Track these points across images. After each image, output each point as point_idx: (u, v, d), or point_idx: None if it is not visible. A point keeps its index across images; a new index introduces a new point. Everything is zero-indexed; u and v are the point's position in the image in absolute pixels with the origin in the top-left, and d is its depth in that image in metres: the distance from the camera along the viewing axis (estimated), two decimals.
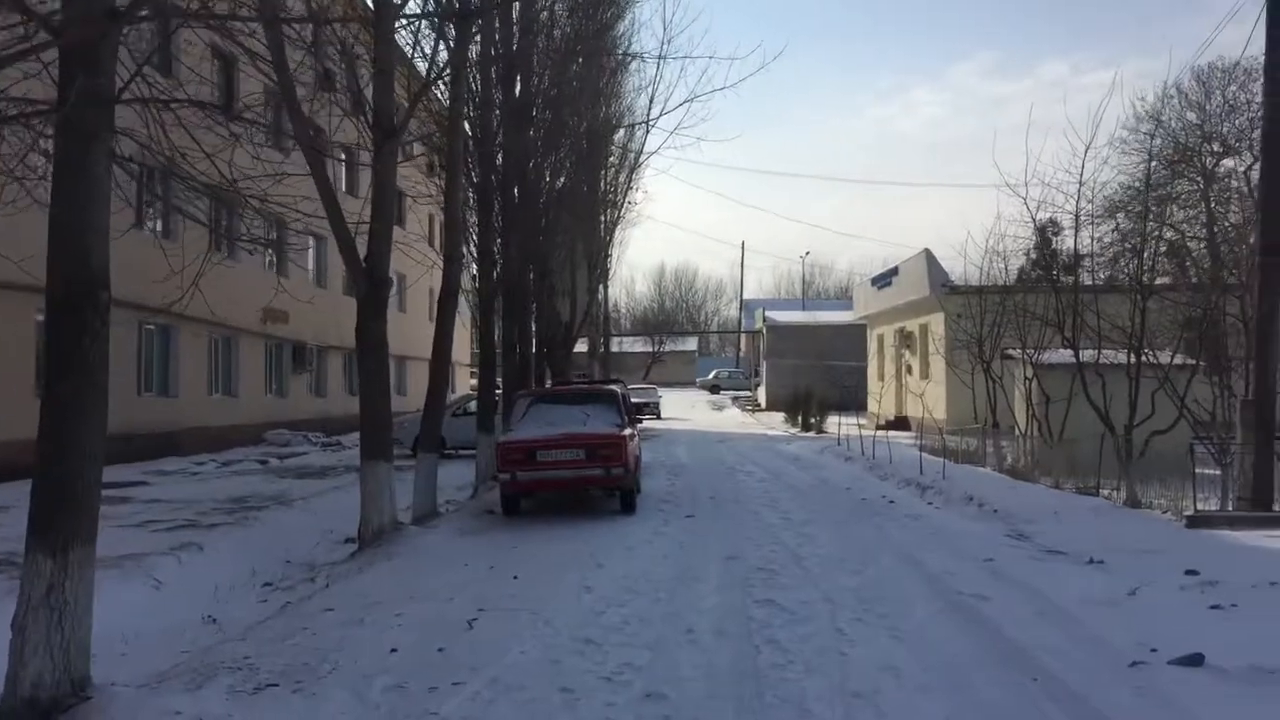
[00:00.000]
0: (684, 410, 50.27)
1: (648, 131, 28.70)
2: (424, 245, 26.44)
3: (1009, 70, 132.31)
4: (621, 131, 30.13)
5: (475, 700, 5.70)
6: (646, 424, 36.21)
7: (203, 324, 23.06)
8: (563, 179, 24.51)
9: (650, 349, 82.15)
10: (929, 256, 29.78)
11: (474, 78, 17.82)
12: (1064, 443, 16.22)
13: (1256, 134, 34.36)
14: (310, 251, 29.84)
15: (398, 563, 10.33)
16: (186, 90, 9.54)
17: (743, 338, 79.95)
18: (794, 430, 34.89)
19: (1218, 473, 12.85)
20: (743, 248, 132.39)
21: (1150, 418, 14.32)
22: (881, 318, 37.28)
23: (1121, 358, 15.21)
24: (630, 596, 8.36)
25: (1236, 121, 36.66)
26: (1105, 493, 13.95)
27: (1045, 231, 19.90)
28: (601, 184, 30.81)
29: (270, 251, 22.84)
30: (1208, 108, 37.59)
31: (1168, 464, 13.49)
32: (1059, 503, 13.35)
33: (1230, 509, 12.06)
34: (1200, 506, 11.94)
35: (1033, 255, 22.08)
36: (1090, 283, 18.12)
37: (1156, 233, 18.38)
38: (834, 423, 31.98)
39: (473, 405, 21.83)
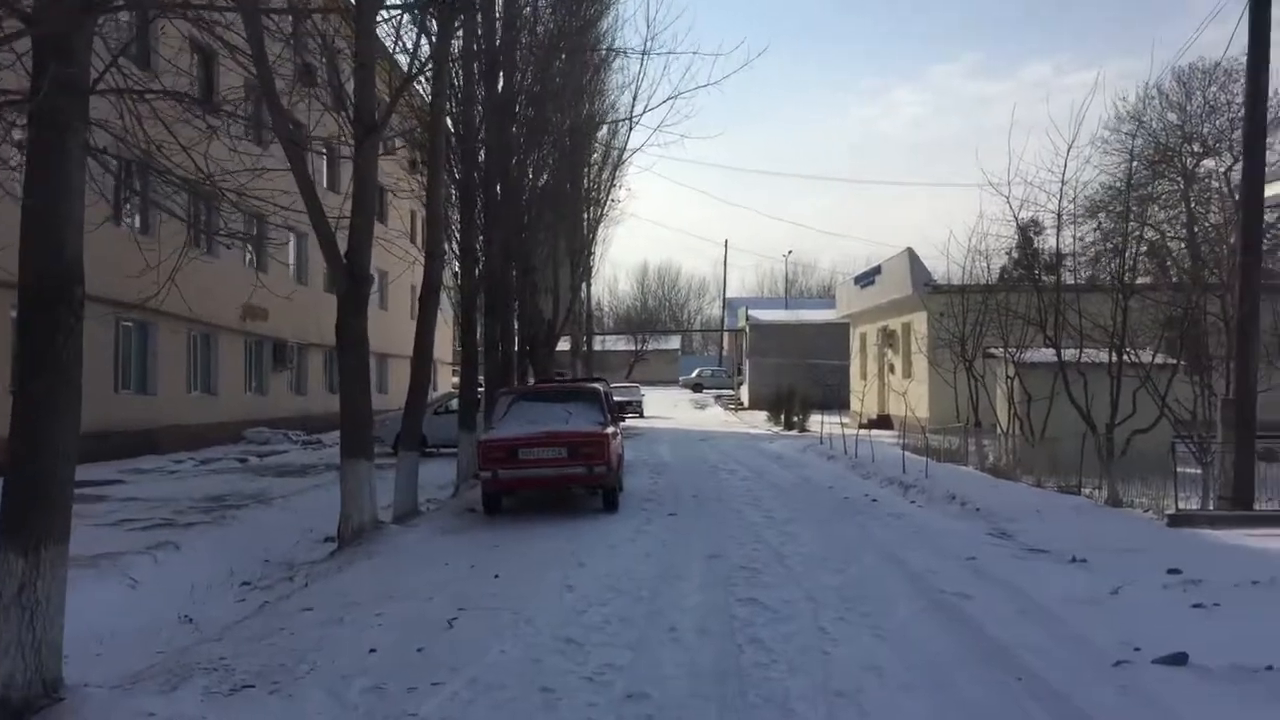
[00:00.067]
0: (667, 409, 50.24)
1: (631, 128, 28.71)
2: (406, 242, 26.37)
3: (991, 71, 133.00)
4: (605, 128, 30.09)
5: (454, 701, 5.63)
6: (629, 422, 36.13)
7: (181, 321, 22.88)
8: (546, 176, 24.44)
9: (633, 347, 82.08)
10: (912, 255, 29.82)
11: (456, 73, 17.72)
12: (1046, 441, 16.25)
13: (1236, 135, 34.58)
14: (291, 248, 29.65)
15: (378, 561, 10.24)
16: (164, 84, 9.41)
17: (725, 336, 80.00)
18: (777, 429, 34.89)
19: (1199, 472, 12.89)
20: (726, 246, 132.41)
21: (1131, 416, 14.34)
22: (864, 316, 37.34)
23: (1103, 357, 15.23)
24: (612, 595, 8.31)
25: (1217, 122, 36.88)
26: (1087, 491, 13.98)
27: (1027, 231, 19.95)
28: (585, 181, 30.76)
29: (249, 247, 22.63)
30: (1188, 108, 37.83)
31: (1149, 463, 13.52)
32: (1041, 501, 13.38)
33: (1211, 508, 12.10)
34: (1181, 505, 11.97)
35: (1014, 255, 22.15)
36: (1072, 282, 18.15)
37: (1138, 233, 18.42)
38: (817, 421, 32.00)
39: (454, 403, 21.74)
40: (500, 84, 19.59)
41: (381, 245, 16.64)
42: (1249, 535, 10.58)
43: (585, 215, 32.76)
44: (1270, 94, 15.04)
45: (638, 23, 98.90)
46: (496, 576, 9.23)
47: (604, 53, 26.20)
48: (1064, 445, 15.19)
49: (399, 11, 14.03)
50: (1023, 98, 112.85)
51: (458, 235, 19.08)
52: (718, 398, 60.88)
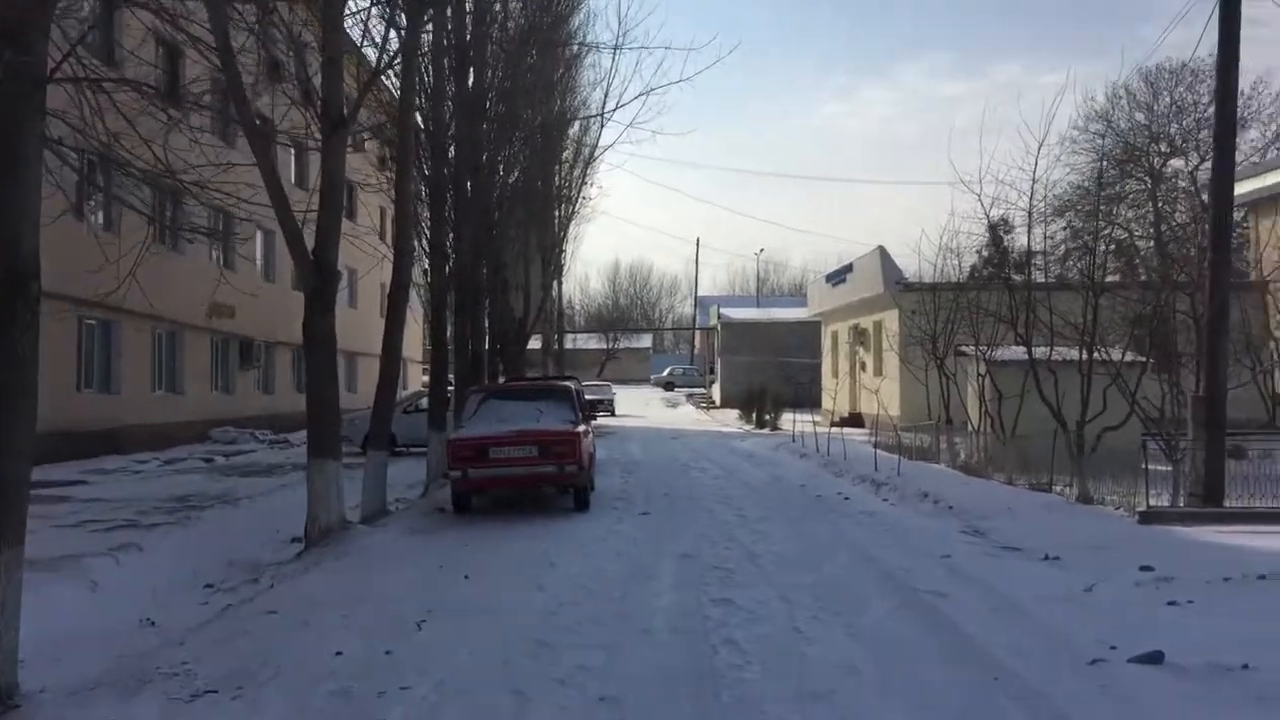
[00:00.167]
0: (638, 407, 50.18)
1: (603, 125, 28.59)
2: (375, 239, 26.13)
3: (961, 71, 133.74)
4: (576, 125, 29.98)
5: (423, 705, 5.51)
6: (600, 421, 36.03)
7: (146, 318, 22.56)
8: (517, 173, 24.30)
9: (605, 346, 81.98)
10: (883, 254, 29.87)
11: (426, 68, 17.54)
12: (1017, 439, 16.28)
13: (1203, 135, 35.14)
14: (258, 244, 29.33)
15: (345, 563, 10.08)
16: (128, 78, 9.23)
17: (697, 334, 80.00)
18: (748, 427, 34.89)
19: (1169, 469, 12.94)
20: (697, 244, 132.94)
21: (1102, 414, 14.40)
22: (836, 315, 37.39)
23: (1073, 354, 15.28)
24: (584, 596, 8.20)
25: (1184, 122, 37.35)
26: (1058, 489, 14.01)
27: (997, 229, 20.03)
28: (556, 178, 30.63)
29: (215, 244, 22.36)
30: (1156, 108, 38.26)
31: (1119, 460, 13.57)
32: (1013, 499, 13.40)
33: (1182, 505, 12.14)
34: (1152, 503, 12.00)
35: (985, 253, 22.24)
36: (1043, 280, 18.23)
37: (1107, 231, 18.53)
38: (788, 419, 32.03)
39: (424, 402, 21.56)
40: (470, 79, 19.43)
41: (350, 242, 16.41)
42: (1220, 532, 10.62)
43: (557, 212, 32.63)
44: (1238, 93, 15.10)
45: (609, 19, 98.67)
46: (466, 577, 9.10)
47: (576, 48, 26.09)
48: (1035, 443, 15.23)
49: (367, 4, 13.86)
50: (994, 98, 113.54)
51: (428, 232, 18.91)
52: (689, 396, 60.89)
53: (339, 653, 6.52)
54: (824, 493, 15.59)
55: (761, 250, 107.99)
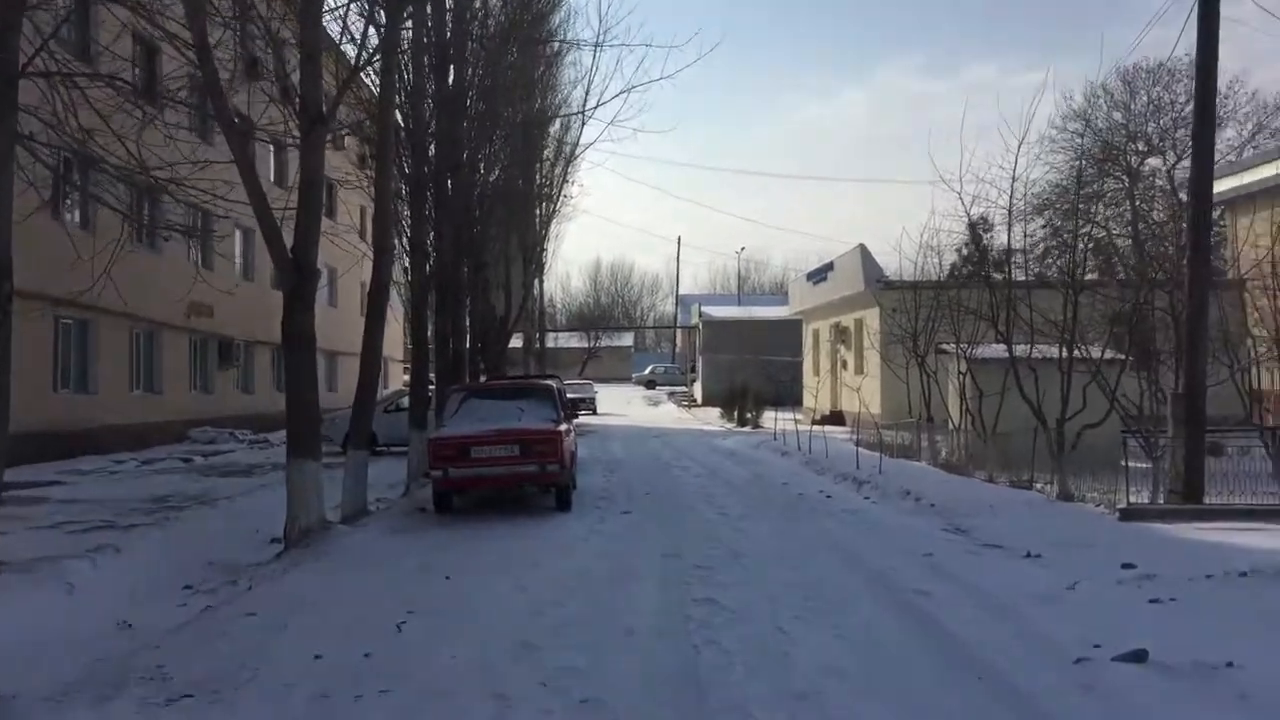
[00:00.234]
0: (620, 406, 50.13)
1: (584, 123, 28.58)
2: (355, 237, 25.97)
3: (938, 70, 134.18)
4: (557, 124, 29.92)
5: (403, 709, 5.44)
6: (582, 419, 35.96)
7: (123, 318, 22.37)
8: (497, 171, 24.21)
9: (586, 344, 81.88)
10: (864, 252, 29.92)
11: (406, 65, 17.43)
12: (997, 436, 16.33)
13: (1180, 134, 35.39)
14: (237, 243, 29.10)
15: (325, 564, 9.98)
16: (102, 73, 9.09)
17: (679, 333, 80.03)
18: (730, 425, 34.89)
19: (1148, 466, 13.00)
20: (679, 243, 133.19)
21: (1082, 411, 14.44)
22: (817, 313, 37.44)
23: (1053, 352, 15.31)
24: (566, 597, 8.14)
25: (1161, 121, 37.61)
26: (1039, 486, 14.06)
27: (977, 228, 20.06)
28: (537, 177, 30.54)
29: (192, 242, 22.15)
30: (1133, 108, 38.50)
31: (1099, 457, 13.63)
32: (994, 496, 13.43)
33: (1162, 502, 12.19)
34: (1132, 500, 12.05)
35: (964, 251, 22.29)
36: (1023, 278, 18.27)
37: (1087, 229, 18.60)
38: (770, 417, 32.05)
39: (405, 400, 21.44)
40: (451, 76, 19.33)
41: (330, 240, 16.30)
42: (1200, 529, 10.67)
43: (538, 211, 32.56)
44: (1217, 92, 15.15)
45: (590, 16, 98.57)
46: (447, 578, 9.02)
47: (556, 45, 26.02)
48: (1015, 440, 15.28)
49: (346, 0, 13.74)
50: (974, 99, 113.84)
51: (408, 230, 18.80)
52: (671, 394, 60.90)
53: (318, 656, 6.43)
54: (806, 491, 15.59)
55: (743, 249, 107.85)
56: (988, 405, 16.84)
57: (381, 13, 14.30)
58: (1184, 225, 15.15)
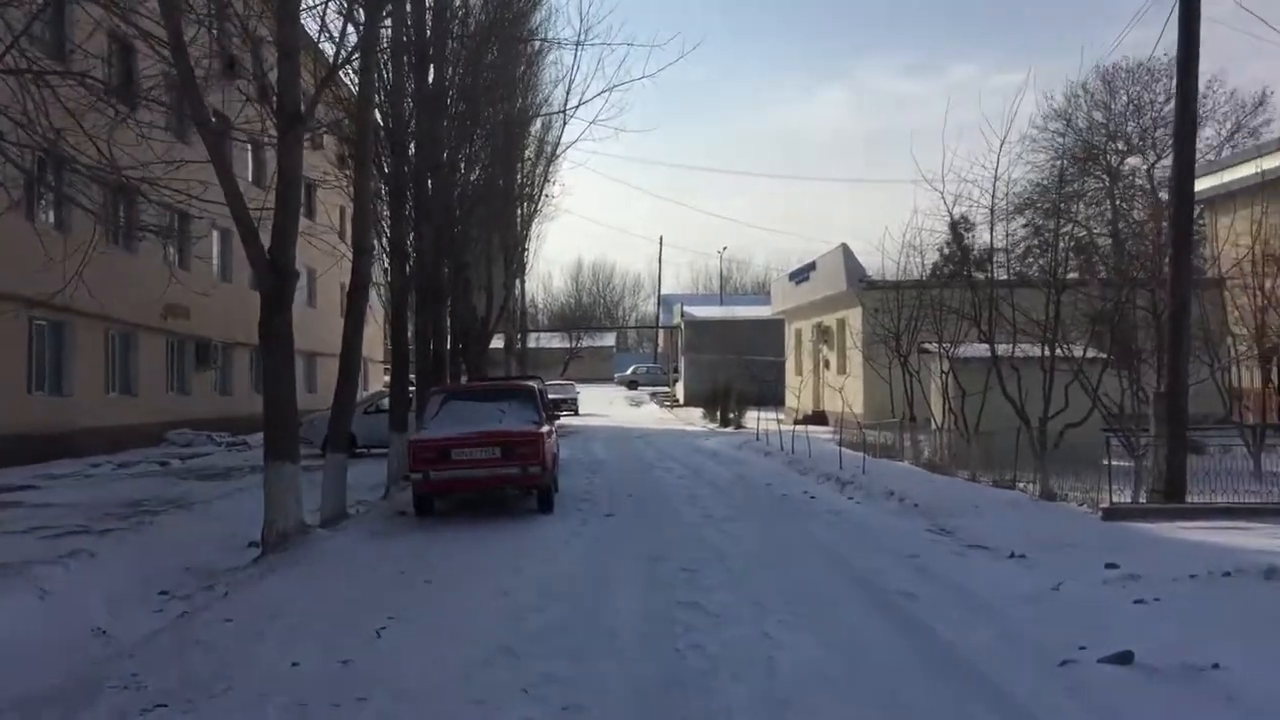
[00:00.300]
0: (602, 406, 50.05)
1: (565, 123, 28.47)
2: (334, 238, 25.75)
3: (920, 70, 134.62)
4: (538, 123, 29.81)
5: (381, 717, 5.35)
6: (564, 420, 35.85)
7: (98, 319, 22.12)
8: (478, 170, 24.08)
9: (568, 345, 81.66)
10: (846, 251, 29.91)
11: (385, 64, 17.29)
12: (980, 436, 16.32)
13: (1160, 133, 35.58)
14: (214, 243, 28.83)
15: (303, 568, 9.86)
16: (73, 71, 8.94)
17: (661, 333, 79.99)
18: (712, 425, 34.85)
19: (1130, 464, 13.00)
20: (660, 243, 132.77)
21: (1064, 410, 14.44)
22: (799, 313, 37.44)
23: (1036, 351, 15.32)
24: (549, 601, 8.04)
25: (1141, 121, 37.80)
26: (1021, 485, 14.04)
27: (958, 227, 20.08)
28: (518, 176, 30.42)
29: (168, 242, 21.91)
30: (1113, 107, 38.69)
31: (1081, 456, 13.63)
32: (977, 496, 13.40)
33: (1144, 501, 12.19)
34: (1115, 499, 12.04)
35: (947, 251, 22.31)
36: (1005, 277, 18.28)
37: (1068, 228, 18.63)
38: (752, 418, 32.00)
39: (385, 402, 21.29)
40: (431, 76, 19.19)
41: (308, 241, 16.11)
42: (1183, 528, 10.65)
43: (519, 211, 32.43)
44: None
45: (570, 16, 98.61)
46: (428, 582, 8.92)
47: (537, 44, 25.90)
48: (998, 439, 15.26)
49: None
50: (956, 97, 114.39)
51: (388, 231, 18.66)
52: (653, 395, 60.86)
53: (295, 663, 6.33)
54: (790, 492, 15.54)
55: (725, 248, 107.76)
56: (970, 405, 16.84)
57: (360, 10, 14.15)
58: (1165, 224, 15.18)
